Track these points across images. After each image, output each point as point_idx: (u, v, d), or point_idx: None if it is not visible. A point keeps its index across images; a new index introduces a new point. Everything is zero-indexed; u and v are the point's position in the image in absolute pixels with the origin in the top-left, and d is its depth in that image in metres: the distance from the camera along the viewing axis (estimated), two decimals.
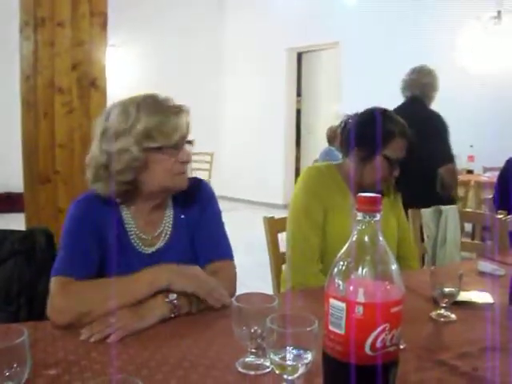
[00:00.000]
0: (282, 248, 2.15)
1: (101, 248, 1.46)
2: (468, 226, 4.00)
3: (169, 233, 1.56)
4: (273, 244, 2.23)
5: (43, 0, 3.67)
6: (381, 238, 0.80)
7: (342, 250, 0.82)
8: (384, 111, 1.95)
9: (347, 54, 7.73)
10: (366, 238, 0.80)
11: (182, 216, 1.59)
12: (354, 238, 0.81)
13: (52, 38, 3.66)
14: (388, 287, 0.79)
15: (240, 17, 9.53)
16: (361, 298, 0.77)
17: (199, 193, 1.63)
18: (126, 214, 1.53)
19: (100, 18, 3.74)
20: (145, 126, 1.41)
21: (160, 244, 1.54)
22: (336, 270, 0.81)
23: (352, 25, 7.45)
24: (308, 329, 0.91)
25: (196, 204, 1.61)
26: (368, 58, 7.35)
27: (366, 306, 0.77)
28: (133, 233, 1.52)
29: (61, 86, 3.62)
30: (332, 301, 0.80)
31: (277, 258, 2.22)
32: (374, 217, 0.79)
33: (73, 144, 3.58)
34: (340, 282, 0.80)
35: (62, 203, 3.60)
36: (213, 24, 9.78)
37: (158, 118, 1.43)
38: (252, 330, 1.05)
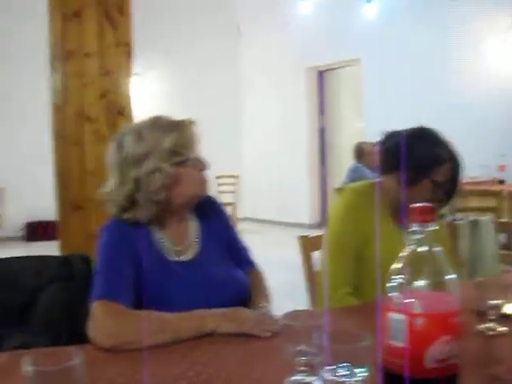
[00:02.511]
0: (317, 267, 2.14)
1: (137, 269, 1.48)
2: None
3: (198, 242, 1.63)
4: (307, 262, 2.22)
5: (70, 33, 3.76)
6: (436, 248, 0.79)
7: (397, 263, 0.81)
8: (434, 134, 1.89)
9: (368, 71, 7.74)
10: (421, 249, 0.79)
11: (206, 226, 1.67)
12: (408, 250, 0.80)
13: (80, 69, 3.74)
14: (446, 298, 0.79)
15: (258, 38, 9.63)
16: (420, 310, 0.77)
17: (213, 205, 1.75)
18: (155, 231, 1.57)
19: (125, 48, 3.82)
20: (169, 144, 1.51)
21: (193, 253, 1.60)
22: (393, 282, 0.81)
23: (372, 41, 7.47)
24: (360, 344, 0.90)
25: (212, 214, 1.71)
26: (390, 74, 7.35)
27: (426, 317, 0.76)
28: (165, 246, 1.56)
29: (90, 115, 3.68)
30: (390, 314, 0.80)
31: (311, 277, 2.21)
32: (428, 226, 0.78)
33: (103, 171, 3.60)
34: (398, 295, 0.79)
35: (94, 229, 3.62)
36: (231, 47, 9.90)
37: (177, 134, 1.53)
38: (301, 348, 1.04)
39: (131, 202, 1.51)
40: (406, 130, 1.91)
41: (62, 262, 1.87)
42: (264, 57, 9.52)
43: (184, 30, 9.09)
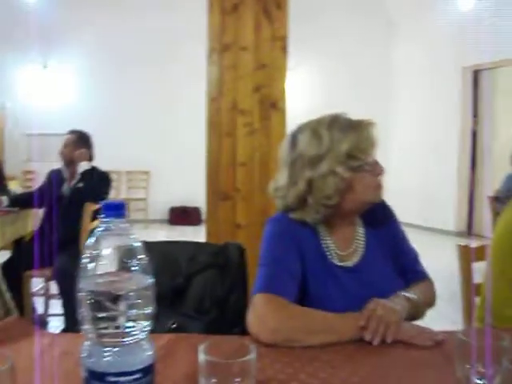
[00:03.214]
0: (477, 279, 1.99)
1: (302, 266, 1.46)
2: None
3: (363, 248, 1.55)
4: (465, 274, 2.08)
5: (228, 27, 3.87)
6: None
7: None
8: None
9: None
10: None
11: (372, 232, 1.59)
12: None
13: (236, 62, 3.84)
14: None
15: (412, 34, 9.28)
16: None
17: (384, 210, 1.64)
18: (322, 232, 1.53)
19: (281, 42, 3.86)
20: (347, 147, 1.42)
21: (356, 259, 1.53)
22: None
23: None
24: None
25: (381, 220, 1.62)
26: None
27: None
28: (330, 249, 1.52)
29: (243, 108, 3.77)
30: None
31: (469, 290, 2.06)
32: None
33: (253, 163, 3.70)
34: None
35: (240, 220, 3.72)
36: (383, 43, 9.66)
37: (355, 136, 1.44)
38: (477, 369, 0.95)
39: (301, 203, 1.48)
40: None
41: (218, 249, 1.91)
42: (417, 54, 9.15)
43: (335, 25, 9.03)
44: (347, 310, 1.32)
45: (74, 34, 9.16)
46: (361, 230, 1.58)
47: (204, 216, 8.62)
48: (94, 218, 3.67)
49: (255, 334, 1.26)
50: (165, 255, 1.90)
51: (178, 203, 9.17)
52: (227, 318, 1.83)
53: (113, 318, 0.67)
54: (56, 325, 3.72)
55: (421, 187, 8.91)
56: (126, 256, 0.71)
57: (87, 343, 0.71)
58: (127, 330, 0.68)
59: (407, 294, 1.45)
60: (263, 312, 1.29)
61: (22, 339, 1.25)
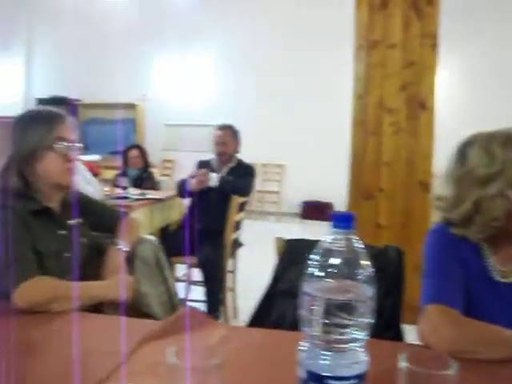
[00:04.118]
0: None
1: (464, 279, 1.44)
2: None
3: None
4: None
5: (376, 24, 3.83)
6: None
7: None
8: None
9: None
10: None
11: None
12: None
13: (383, 60, 3.80)
14: None
15: None
16: None
17: None
18: (484, 248, 1.50)
19: (431, 40, 3.75)
20: None
21: None
22: None
23: None
24: None
25: None
26: None
27: None
28: (493, 266, 1.48)
29: (390, 106, 3.73)
30: None
31: None
32: None
33: (398, 163, 3.66)
34: None
35: (382, 220, 3.69)
36: None
37: None
38: None
39: (465, 221, 1.45)
40: None
41: (377, 252, 1.90)
42: None
43: (483, 26, 8.52)
44: (509, 326, 1.28)
45: (213, 26, 9.45)
46: None
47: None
48: (239, 211, 3.81)
49: (430, 344, 1.26)
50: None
51: (310, 198, 9.20)
52: (381, 321, 1.83)
53: (339, 325, 0.71)
54: None
55: None
56: (352, 266, 0.75)
57: (305, 344, 0.76)
58: (350, 336, 0.72)
59: None
60: (439, 322, 1.29)
61: (199, 330, 1.33)
